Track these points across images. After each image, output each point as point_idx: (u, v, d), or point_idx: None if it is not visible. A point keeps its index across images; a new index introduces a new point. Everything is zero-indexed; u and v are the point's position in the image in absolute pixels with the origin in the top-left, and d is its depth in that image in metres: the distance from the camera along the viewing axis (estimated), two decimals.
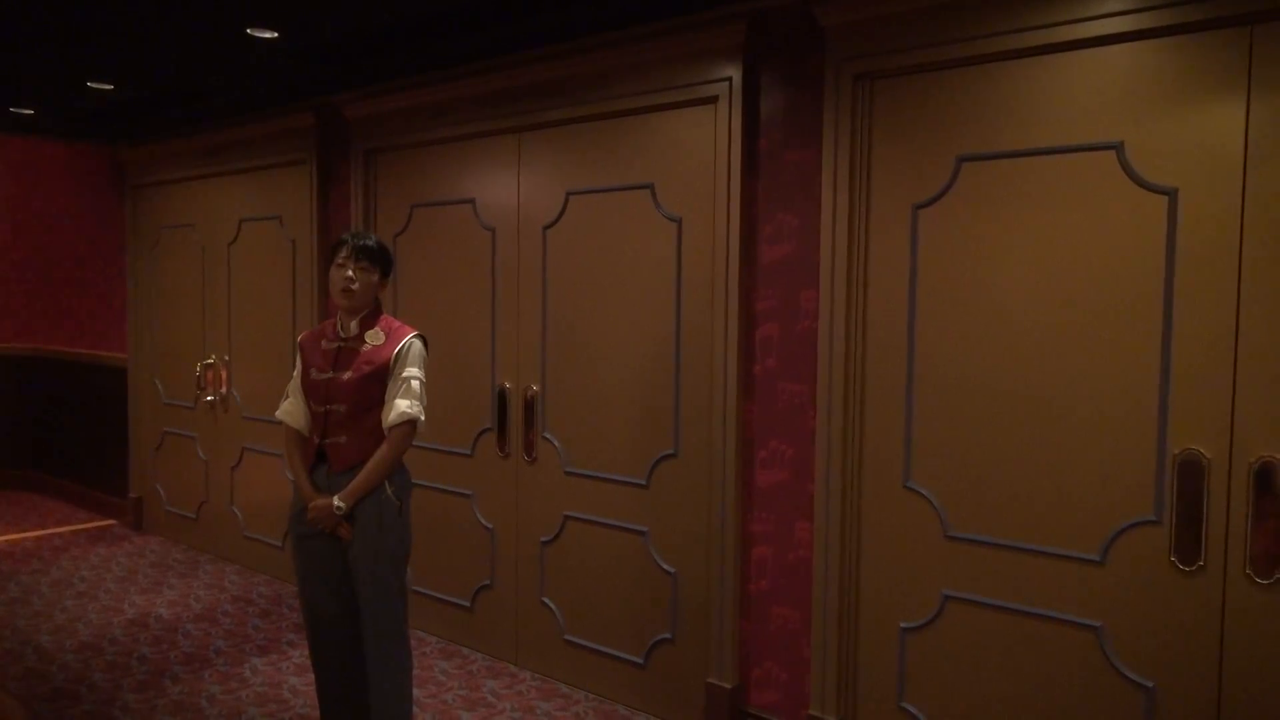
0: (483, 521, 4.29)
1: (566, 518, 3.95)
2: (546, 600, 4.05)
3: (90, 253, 6.76)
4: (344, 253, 3.00)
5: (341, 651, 3.11)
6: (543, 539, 4.05)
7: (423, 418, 3.00)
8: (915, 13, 2.89)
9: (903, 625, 3.07)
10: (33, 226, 7.27)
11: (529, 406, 4.05)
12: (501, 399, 4.15)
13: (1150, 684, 2.60)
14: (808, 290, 3.22)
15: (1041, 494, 2.76)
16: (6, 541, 6.06)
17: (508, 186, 4.13)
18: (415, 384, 2.99)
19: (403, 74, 4.38)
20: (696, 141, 3.48)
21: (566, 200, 3.90)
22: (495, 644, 4.27)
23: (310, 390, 3.06)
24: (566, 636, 3.98)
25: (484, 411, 4.25)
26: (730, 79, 3.32)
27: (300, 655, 4.21)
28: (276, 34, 3.76)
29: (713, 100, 3.40)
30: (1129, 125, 2.58)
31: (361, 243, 3.01)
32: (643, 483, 3.69)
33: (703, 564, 3.52)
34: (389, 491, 2.98)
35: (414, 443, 3.06)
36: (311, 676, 3.87)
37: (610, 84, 3.67)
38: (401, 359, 2.99)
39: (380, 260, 3.05)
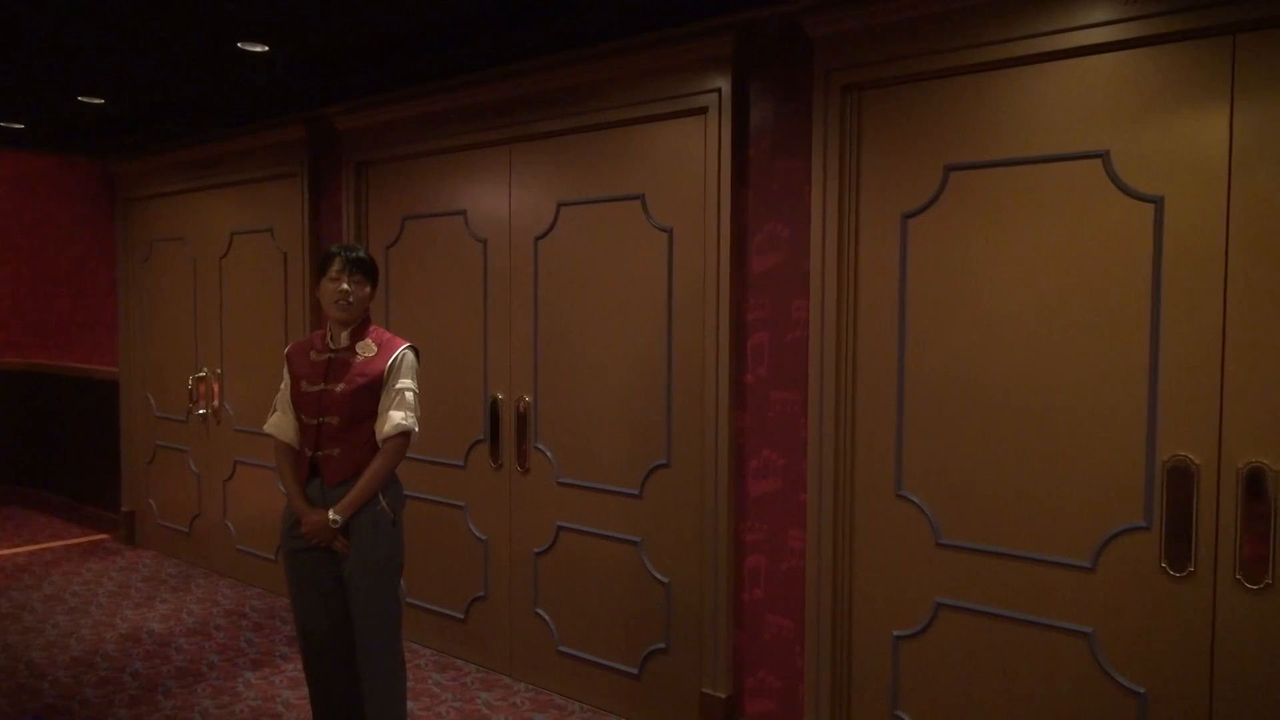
0: (476, 532, 4.29)
1: (560, 528, 3.95)
2: (540, 611, 4.04)
3: (81, 266, 6.75)
4: (336, 265, 3.00)
5: (335, 665, 3.10)
6: (536, 550, 4.04)
7: (416, 429, 3.01)
8: (903, 23, 2.91)
9: (895, 633, 3.07)
10: (23, 240, 7.26)
11: (521, 417, 4.05)
12: (494, 410, 4.15)
13: (1142, 690, 2.60)
14: (798, 299, 3.23)
15: (1032, 501, 2.77)
16: None
17: (499, 198, 4.14)
18: (409, 395, 3.01)
19: (393, 86, 4.39)
20: (687, 152, 3.49)
21: (558, 211, 3.91)
22: (489, 655, 4.26)
23: (301, 403, 3.06)
24: (560, 647, 3.97)
25: (477, 422, 4.25)
26: (720, 90, 3.34)
27: (294, 669, 4.20)
28: (267, 47, 3.77)
29: (702, 111, 3.41)
30: (1115, 134, 2.60)
31: (353, 255, 3.02)
32: (635, 493, 3.69)
33: (696, 573, 3.52)
34: (383, 503, 2.99)
35: (407, 454, 3.06)
36: (305, 690, 3.85)
37: (600, 95, 3.69)
38: (395, 370, 3.01)
39: (371, 272, 3.06)
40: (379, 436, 2.98)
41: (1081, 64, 2.65)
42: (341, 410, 2.98)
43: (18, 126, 5.44)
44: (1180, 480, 2.52)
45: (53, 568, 5.80)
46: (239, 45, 3.74)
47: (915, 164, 2.97)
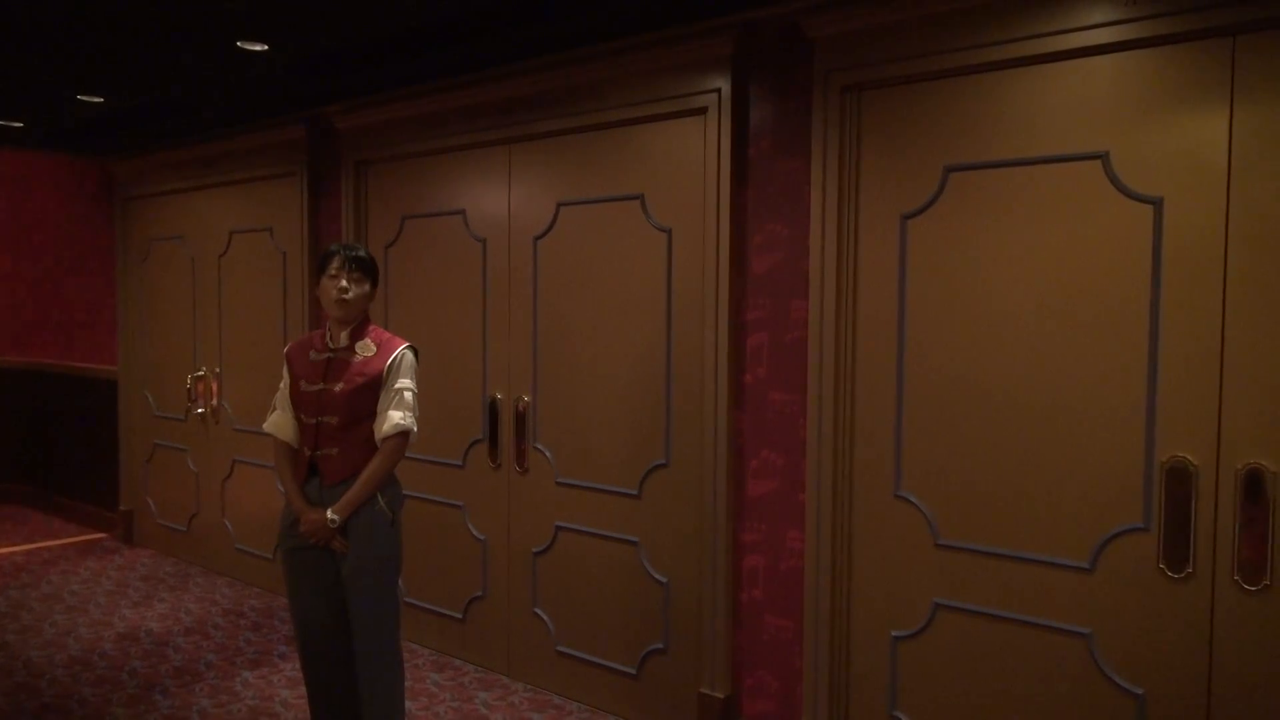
0: (474, 532, 4.28)
1: (558, 528, 3.95)
2: (539, 611, 4.04)
3: (80, 265, 6.74)
4: (336, 263, 3.00)
5: (333, 664, 3.09)
6: (535, 549, 4.04)
7: (415, 429, 3.01)
8: (902, 24, 2.91)
9: (894, 634, 3.07)
10: (22, 239, 7.25)
11: (520, 417, 4.05)
12: (493, 410, 4.15)
13: (1140, 691, 2.60)
14: (797, 299, 3.23)
15: (1031, 502, 2.77)
16: None
17: (498, 197, 4.14)
18: (408, 395, 3.00)
19: (393, 86, 4.38)
20: (686, 152, 3.49)
21: (557, 211, 3.91)
22: (487, 655, 4.26)
23: (300, 402, 3.06)
24: (559, 647, 3.97)
25: (475, 422, 4.25)
26: (719, 90, 3.34)
27: (292, 668, 4.20)
28: (266, 46, 3.77)
29: (702, 111, 3.41)
30: (1114, 135, 2.60)
31: (354, 254, 3.02)
32: (634, 493, 3.69)
33: (694, 573, 3.52)
34: (381, 503, 2.99)
35: (405, 454, 3.06)
36: (303, 690, 3.85)
37: (600, 95, 3.68)
38: (394, 370, 3.00)
39: (371, 271, 3.06)
40: (377, 436, 2.98)
41: (1081, 65, 2.65)
42: (340, 410, 2.98)
43: (17, 125, 5.43)
44: (1179, 481, 2.52)
45: (51, 566, 5.80)
46: (239, 44, 3.74)
47: (915, 164, 2.97)
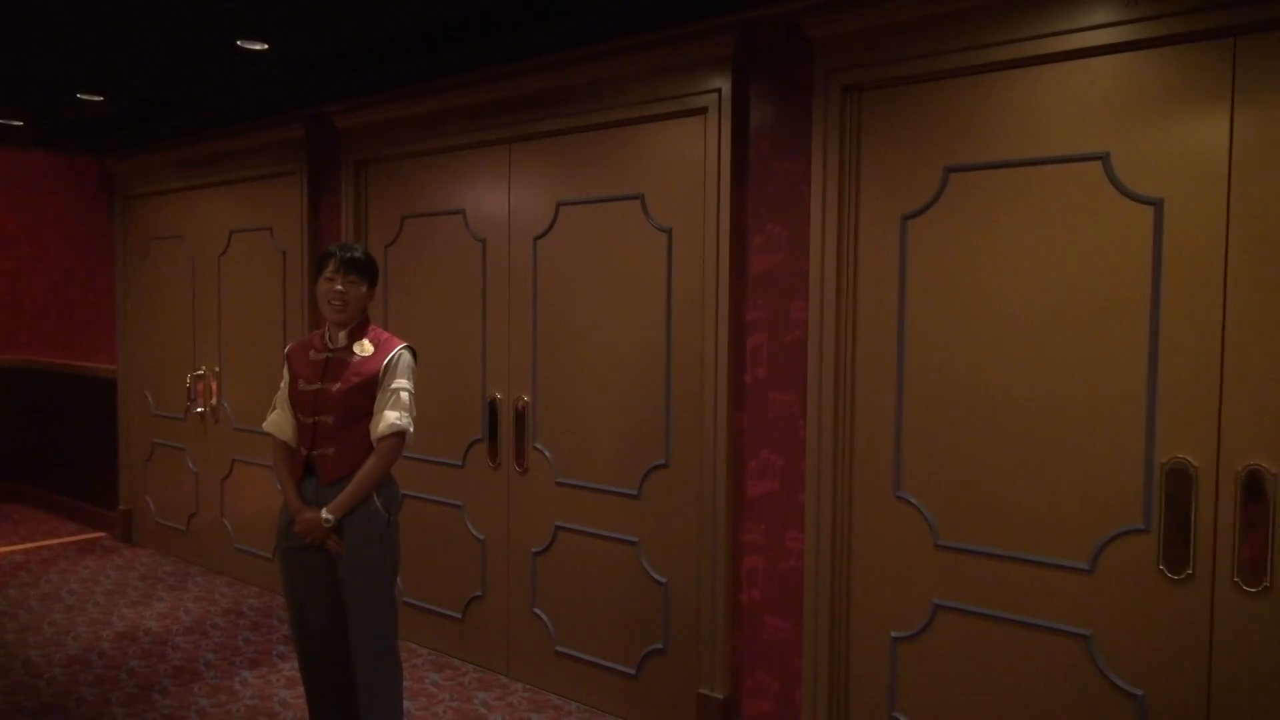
0: (474, 532, 4.28)
1: (558, 528, 3.95)
2: (538, 611, 4.04)
3: (80, 264, 6.74)
4: (332, 266, 2.99)
5: (331, 664, 3.09)
6: (534, 550, 4.04)
7: (411, 429, 3.00)
8: (903, 25, 2.91)
9: (894, 635, 3.07)
10: (22, 238, 7.25)
11: (520, 417, 4.05)
12: (493, 409, 4.15)
13: (1140, 692, 2.60)
14: (797, 300, 3.23)
15: (1031, 503, 2.77)
16: None
17: (498, 197, 4.13)
18: (404, 395, 2.99)
19: (393, 85, 4.38)
20: (686, 152, 3.49)
21: (557, 211, 3.91)
22: (487, 655, 4.26)
23: (298, 401, 3.05)
24: (558, 647, 3.97)
25: (475, 422, 4.25)
26: (720, 90, 3.34)
27: (290, 668, 4.19)
28: (266, 45, 3.76)
29: (702, 111, 3.41)
30: (1115, 136, 2.60)
31: (349, 255, 3.00)
32: (634, 493, 3.68)
33: (694, 574, 3.52)
34: (378, 503, 2.98)
35: (404, 453, 3.06)
36: (301, 689, 3.84)
37: (600, 95, 3.68)
38: (391, 370, 2.99)
39: (368, 272, 3.04)
40: (373, 436, 2.97)
41: (1082, 66, 2.65)
42: (337, 409, 2.97)
43: (17, 124, 5.43)
44: (1179, 482, 2.52)
45: (50, 565, 5.79)
46: (239, 43, 3.74)
47: (915, 165, 2.96)
